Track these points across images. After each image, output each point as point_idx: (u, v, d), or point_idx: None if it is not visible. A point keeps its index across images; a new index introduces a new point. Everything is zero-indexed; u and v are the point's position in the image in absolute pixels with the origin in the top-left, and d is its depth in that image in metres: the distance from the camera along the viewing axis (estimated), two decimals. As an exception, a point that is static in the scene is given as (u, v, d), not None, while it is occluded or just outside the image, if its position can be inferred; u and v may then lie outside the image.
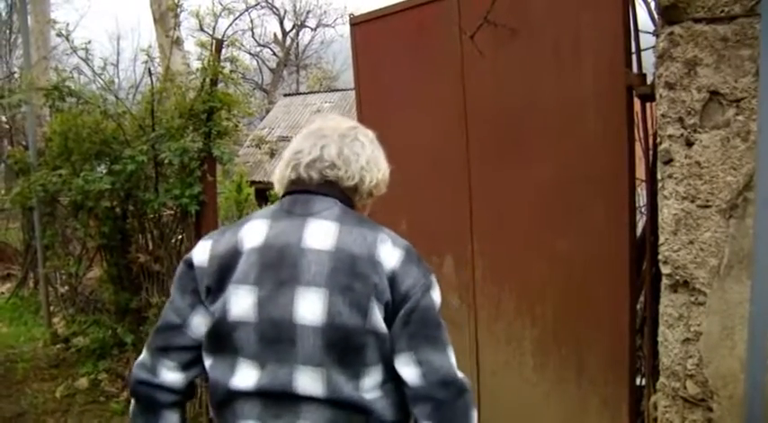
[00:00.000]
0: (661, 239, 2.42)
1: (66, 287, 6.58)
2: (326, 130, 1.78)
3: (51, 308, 6.78)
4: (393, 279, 1.58)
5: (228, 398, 1.61)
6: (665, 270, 2.42)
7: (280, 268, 1.58)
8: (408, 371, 1.58)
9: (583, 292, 3.16)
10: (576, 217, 3.16)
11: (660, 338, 2.50)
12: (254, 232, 1.65)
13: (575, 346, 3.23)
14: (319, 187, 1.70)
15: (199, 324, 1.65)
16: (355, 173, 1.75)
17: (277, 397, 1.57)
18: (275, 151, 18.23)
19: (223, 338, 1.60)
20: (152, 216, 5.07)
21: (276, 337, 1.56)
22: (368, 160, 1.79)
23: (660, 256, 2.44)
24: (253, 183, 15.55)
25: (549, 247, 3.30)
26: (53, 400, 5.15)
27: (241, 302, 1.58)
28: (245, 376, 1.59)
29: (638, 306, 3.04)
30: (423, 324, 1.60)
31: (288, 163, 1.74)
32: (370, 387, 1.59)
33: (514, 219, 3.47)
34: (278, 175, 1.77)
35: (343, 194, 1.73)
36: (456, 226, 3.77)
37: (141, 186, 4.95)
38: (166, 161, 4.54)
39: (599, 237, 3.05)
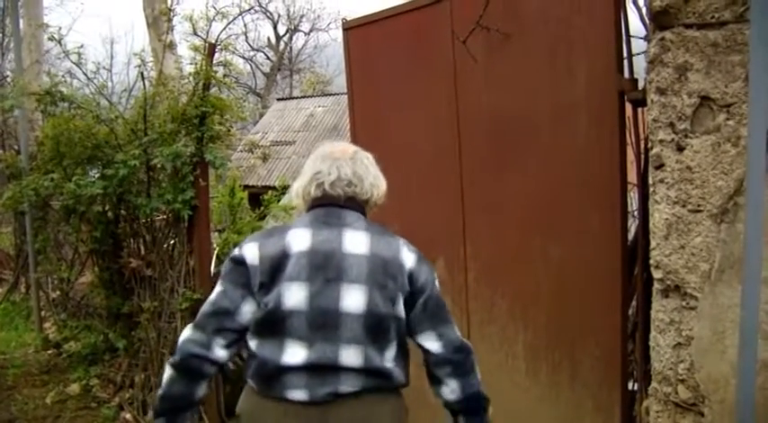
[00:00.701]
0: (652, 244, 2.42)
1: (58, 292, 6.55)
2: (337, 154, 2.19)
3: (43, 313, 6.75)
4: (411, 276, 2.08)
5: (278, 372, 2.00)
6: (656, 275, 2.42)
7: (327, 269, 2.01)
8: (431, 343, 2.11)
9: (575, 296, 3.16)
10: (568, 221, 3.16)
11: (652, 343, 2.51)
12: (299, 238, 2.05)
13: (567, 351, 3.23)
14: (345, 202, 2.13)
15: (246, 312, 2.04)
16: (367, 189, 2.18)
17: (322, 369, 1.99)
18: (268, 156, 18.23)
19: (275, 324, 2.00)
20: (144, 221, 5.05)
21: (323, 323, 1.99)
22: (374, 177, 2.23)
23: (651, 261, 2.44)
24: (246, 187, 15.50)
25: (541, 252, 3.30)
26: (44, 406, 5.11)
27: (294, 295, 1.99)
28: (295, 354, 1.99)
29: (631, 311, 3.05)
30: (437, 308, 2.12)
31: (311, 182, 2.15)
32: (389, 358, 2.07)
33: (507, 223, 3.47)
34: (300, 191, 2.18)
35: (361, 207, 2.17)
36: (449, 229, 3.77)
37: (133, 191, 4.93)
38: (159, 166, 4.53)
39: (591, 241, 3.06)
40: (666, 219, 2.34)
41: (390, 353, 2.08)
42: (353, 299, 2.00)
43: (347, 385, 2.01)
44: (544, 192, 3.25)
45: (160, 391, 2.09)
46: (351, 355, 2.00)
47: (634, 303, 3.00)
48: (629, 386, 3.02)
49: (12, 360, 5.95)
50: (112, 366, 5.43)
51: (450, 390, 2.16)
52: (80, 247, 5.92)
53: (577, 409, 3.20)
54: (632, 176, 2.96)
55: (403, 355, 2.14)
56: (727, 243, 2.19)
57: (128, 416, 4.93)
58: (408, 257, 2.10)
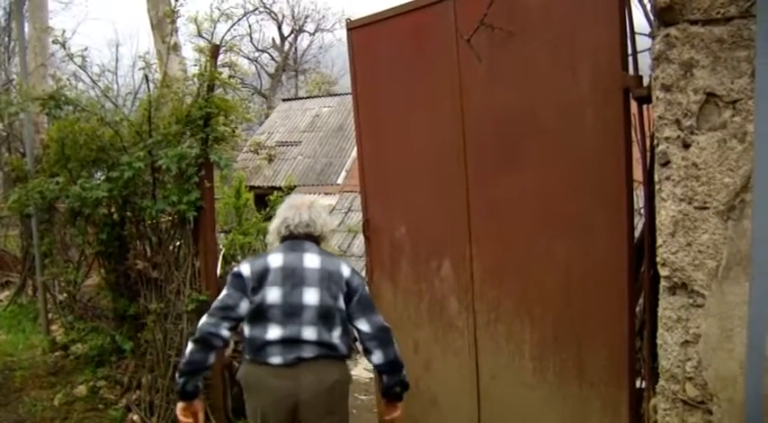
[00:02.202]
0: (659, 242, 2.41)
1: (65, 294, 6.55)
2: (299, 205, 3.24)
3: (50, 315, 6.77)
4: (347, 282, 3.08)
5: (263, 344, 2.98)
6: (663, 272, 2.41)
7: (293, 278, 3.03)
8: (363, 325, 3.05)
9: (582, 294, 3.15)
10: (574, 219, 3.15)
11: (659, 341, 2.49)
12: (276, 259, 3.08)
13: (574, 350, 3.22)
14: (304, 237, 3.17)
15: (243, 308, 2.99)
16: (319, 228, 3.21)
17: (291, 342, 2.96)
18: (273, 156, 18.25)
19: (261, 313, 2.99)
20: (150, 222, 5.06)
21: (291, 312, 2.98)
22: (323, 220, 3.25)
23: (658, 259, 2.43)
24: (252, 188, 15.54)
25: (547, 250, 3.29)
26: (51, 407, 5.13)
27: (272, 294, 3.00)
28: (273, 332, 2.97)
29: (638, 308, 3.03)
30: (366, 303, 3.10)
31: (282, 224, 3.19)
32: (336, 336, 3.02)
33: (512, 222, 3.46)
34: (275, 230, 3.22)
35: (315, 239, 3.21)
36: (454, 229, 3.76)
37: (139, 193, 4.95)
38: (164, 167, 4.53)
39: (597, 239, 3.05)
40: (673, 216, 2.33)
41: (336, 332, 3.03)
42: (310, 296, 3.01)
43: (307, 352, 2.97)
44: (549, 190, 3.24)
45: (184, 359, 2.97)
46: (309, 332, 2.97)
47: (641, 301, 2.99)
48: (637, 384, 3.01)
49: (19, 362, 5.98)
50: (119, 368, 5.44)
51: (377, 357, 3.06)
52: (86, 250, 5.93)
53: (585, 407, 3.19)
54: (638, 174, 2.95)
55: (346, 334, 3.07)
56: (734, 240, 2.18)
57: (135, 417, 4.93)
58: (345, 270, 3.11)
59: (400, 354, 3.12)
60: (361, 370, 7.60)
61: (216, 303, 3.03)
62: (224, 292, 3.03)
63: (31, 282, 7.94)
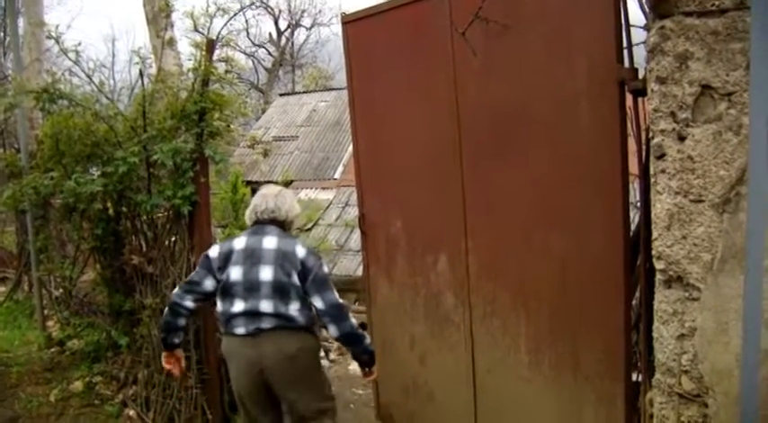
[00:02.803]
0: (654, 235, 2.40)
1: (61, 290, 6.54)
2: (266, 193, 3.65)
3: (46, 311, 6.75)
4: (302, 261, 3.41)
5: (230, 317, 3.44)
6: (658, 265, 2.40)
7: (252, 257, 3.44)
8: (317, 303, 3.38)
9: (577, 288, 3.15)
10: (570, 213, 3.15)
11: (655, 334, 2.49)
12: (240, 242, 3.52)
13: (570, 343, 3.22)
14: (268, 222, 3.57)
15: (208, 284, 3.49)
16: (284, 214, 3.61)
17: (252, 314, 3.38)
18: (269, 151, 18.23)
19: (227, 290, 3.44)
20: (145, 218, 5.04)
21: (251, 287, 3.39)
22: (290, 206, 3.65)
23: (654, 252, 2.42)
24: (249, 183, 15.55)
25: (542, 244, 3.29)
26: (47, 403, 5.12)
27: (235, 273, 3.43)
28: (237, 306, 3.41)
29: (633, 302, 3.03)
30: (321, 282, 3.40)
31: (252, 211, 3.62)
32: (293, 309, 3.38)
33: (508, 215, 3.46)
34: (247, 215, 3.65)
35: (280, 225, 3.60)
36: (449, 223, 3.76)
37: (134, 188, 4.92)
38: (159, 162, 4.52)
39: (593, 232, 3.04)
40: (668, 209, 2.32)
41: (293, 305, 3.38)
42: (266, 273, 3.38)
43: (266, 323, 3.38)
44: (545, 184, 3.24)
45: (161, 321, 3.66)
46: (265, 305, 3.37)
47: (637, 295, 2.99)
48: (633, 378, 3.01)
49: (15, 358, 5.96)
50: (115, 363, 5.43)
51: (332, 331, 3.42)
52: (82, 245, 5.90)
53: (580, 400, 3.19)
54: (634, 167, 2.94)
55: (305, 308, 3.41)
56: (730, 233, 2.17)
57: (131, 413, 4.93)
58: (300, 251, 3.44)
59: (355, 327, 3.45)
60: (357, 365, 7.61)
61: (185, 279, 3.78)
62: (196, 270, 3.57)
63: (27, 278, 7.92)
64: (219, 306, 3.48)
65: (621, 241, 2.92)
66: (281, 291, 3.35)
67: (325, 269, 3.50)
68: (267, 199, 3.59)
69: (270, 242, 3.45)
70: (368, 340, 3.55)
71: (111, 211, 5.19)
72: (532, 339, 3.41)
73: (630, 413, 2.98)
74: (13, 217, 8.15)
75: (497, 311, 3.58)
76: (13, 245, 8.71)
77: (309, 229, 14.80)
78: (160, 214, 5.01)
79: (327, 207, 16.68)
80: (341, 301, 3.43)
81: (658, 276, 2.42)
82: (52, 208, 6.11)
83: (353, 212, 14.14)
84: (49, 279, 6.79)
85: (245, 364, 3.44)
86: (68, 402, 5.14)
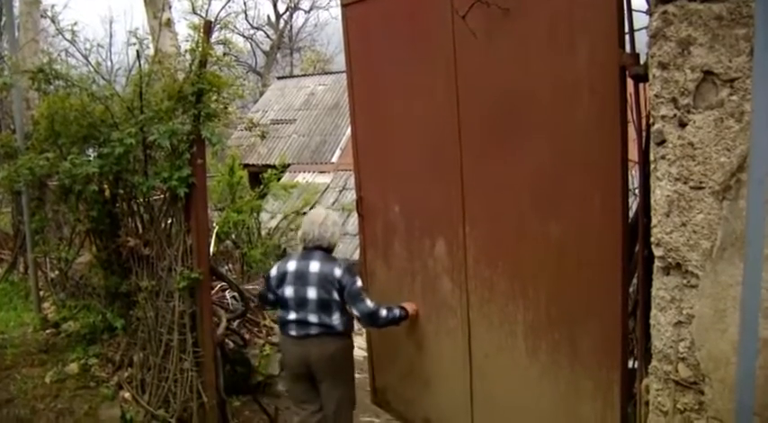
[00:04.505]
0: (653, 221, 2.39)
1: (56, 272, 6.52)
2: (314, 220, 4.34)
3: (41, 293, 6.73)
4: (339, 280, 4.13)
5: (285, 322, 4.28)
6: (657, 252, 2.39)
7: (301, 279, 4.19)
8: (354, 311, 4.13)
9: (575, 275, 3.14)
10: (569, 199, 3.13)
11: (652, 321, 2.49)
12: (291, 265, 4.28)
13: (567, 330, 3.22)
14: (313, 248, 4.27)
15: (270, 297, 4.38)
16: (327, 240, 4.29)
17: (302, 322, 4.20)
18: (266, 133, 18.19)
19: (284, 302, 4.26)
20: (141, 199, 5.02)
21: (301, 303, 4.18)
22: (331, 234, 4.31)
23: (652, 239, 2.41)
24: (246, 166, 15.51)
25: (541, 230, 3.27)
26: (43, 385, 5.12)
27: (288, 291, 4.23)
28: (291, 315, 4.23)
29: (631, 289, 3.02)
30: (355, 295, 4.10)
31: (301, 236, 4.35)
32: (334, 319, 4.17)
33: (506, 201, 3.44)
34: (298, 238, 4.43)
35: (323, 248, 4.28)
36: (448, 209, 3.75)
37: (130, 169, 4.90)
38: (156, 144, 4.49)
39: (591, 219, 3.03)
40: (668, 196, 2.31)
41: (335, 316, 4.17)
42: (311, 292, 4.15)
43: (313, 330, 4.19)
44: (544, 170, 3.21)
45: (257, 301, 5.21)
46: (312, 317, 4.17)
47: (635, 281, 2.98)
48: (629, 365, 3.01)
49: (10, 340, 5.93)
50: (111, 346, 5.43)
51: (370, 328, 4.57)
52: (78, 227, 5.88)
53: (577, 387, 3.19)
54: (633, 154, 2.92)
55: (343, 317, 4.20)
56: (729, 220, 2.16)
57: (126, 395, 4.94)
58: (337, 272, 4.14)
59: (386, 318, 4.09)
60: (355, 349, 7.62)
61: (260, 290, 4.82)
62: (264, 285, 4.55)
63: (22, 259, 7.89)
64: (279, 313, 4.39)
65: (620, 228, 2.91)
66: (323, 306, 4.14)
67: (359, 283, 4.16)
68: (314, 227, 4.28)
69: (314, 266, 4.18)
70: (395, 312, 4.11)
71: (107, 193, 5.16)
72: (530, 326, 3.40)
73: (626, 400, 2.98)
74: (9, 198, 8.11)
75: (495, 297, 3.57)
76: (9, 226, 8.68)
77: (306, 213, 14.79)
78: (156, 196, 4.99)
79: (324, 191, 16.68)
80: (370, 305, 4.08)
81: (657, 263, 2.42)
82: (48, 189, 6.07)
83: (351, 196, 14.14)
84: (45, 260, 6.78)
85: (296, 359, 4.28)
86: (64, 384, 5.14)
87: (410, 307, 4.17)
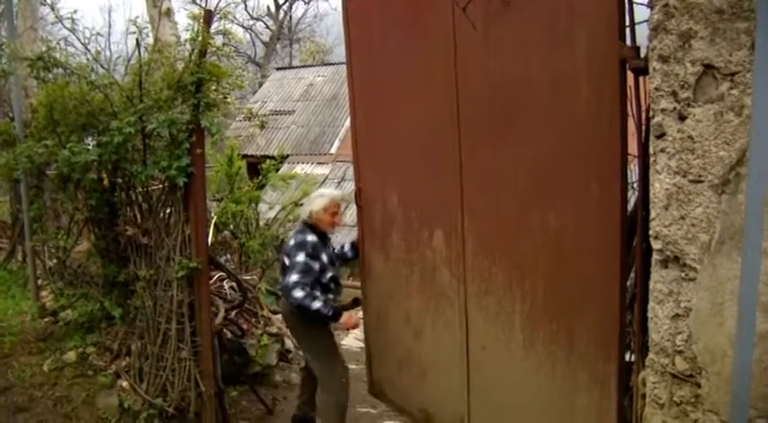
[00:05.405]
0: (652, 214, 2.39)
1: (55, 260, 6.51)
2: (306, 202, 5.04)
3: (39, 281, 6.72)
4: (288, 251, 4.56)
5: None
6: (655, 245, 2.40)
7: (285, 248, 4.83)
8: (283, 279, 4.58)
9: (573, 267, 3.14)
10: (568, 192, 3.13)
11: (650, 314, 2.49)
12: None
13: (564, 322, 3.22)
14: (302, 223, 4.78)
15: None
16: (306, 214, 4.72)
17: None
18: (265, 123, 18.15)
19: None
20: (140, 189, 5.02)
21: (282, 267, 4.80)
22: (310, 207, 4.72)
23: (651, 232, 2.42)
24: (245, 156, 15.47)
25: (539, 222, 3.27)
26: (41, 373, 5.13)
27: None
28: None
29: (629, 282, 3.03)
30: (290, 266, 4.47)
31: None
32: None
33: (505, 193, 3.44)
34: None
35: (306, 222, 4.70)
36: (446, 200, 3.75)
37: (129, 158, 4.89)
38: (155, 133, 4.48)
39: (590, 212, 3.03)
40: (667, 189, 2.31)
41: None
42: (283, 257, 4.62)
43: (279, 291, 4.82)
44: (543, 162, 3.21)
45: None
46: (280, 278, 4.69)
47: (632, 274, 2.98)
48: (626, 357, 3.02)
49: (8, 328, 5.94)
50: (109, 334, 5.43)
51: (281, 294, 4.78)
52: (76, 216, 5.87)
53: (574, 379, 3.20)
54: (633, 147, 2.92)
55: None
56: (728, 214, 2.17)
57: (124, 384, 4.94)
58: (290, 242, 4.62)
59: (302, 303, 4.35)
60: (352, 340, 7.64)
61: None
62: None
63: (21, 247, 7.89)
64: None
65: (618, 221, 2.91)
66: (283, 270, 4.59)
67: (299, 258, 4.45)
68: (303, 208, 4.88)
69: (291, 238, 4.75)
70: (316, 304, 4.37)
71: (105, 182, 5.15)
72: (527, 317, 3.41)
73: (623, 392, 2.99)
74: (8, 186, 8.10)
75: (492, 289, 3.57)
76: (7, 214, 8.67)
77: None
78: (155, 185, 4.99)
79: (323, 182, 16.66)
80: (294, 279, 4.39)
81: (655, 256, 2.42)
82: (47, 177, 6.06)
83: (349, 187, 14.11)
84: (43, 249, 6.76)
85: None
86: (61, 373, 5.15)
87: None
